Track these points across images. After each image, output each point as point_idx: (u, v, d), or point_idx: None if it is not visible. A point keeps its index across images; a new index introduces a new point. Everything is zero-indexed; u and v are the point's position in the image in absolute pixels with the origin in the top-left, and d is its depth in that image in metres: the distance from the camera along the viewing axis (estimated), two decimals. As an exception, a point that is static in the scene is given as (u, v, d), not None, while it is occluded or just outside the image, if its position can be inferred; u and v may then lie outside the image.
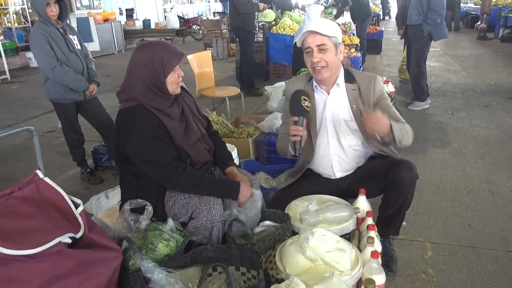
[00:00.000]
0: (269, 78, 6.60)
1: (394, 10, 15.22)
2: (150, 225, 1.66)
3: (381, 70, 7.04)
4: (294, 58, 5.08)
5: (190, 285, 1.40)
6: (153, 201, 1.74)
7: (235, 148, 2.61)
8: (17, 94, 6.75)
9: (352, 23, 7.64)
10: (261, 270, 1.44)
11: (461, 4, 12.80)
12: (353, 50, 5.72)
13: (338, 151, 2.02)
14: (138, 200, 1.72)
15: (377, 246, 1.78)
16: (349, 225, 1.79)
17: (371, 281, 1.43)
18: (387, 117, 1.77)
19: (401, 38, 5.11)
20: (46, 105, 4.97)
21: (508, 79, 6.03)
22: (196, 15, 15.80)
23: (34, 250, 1.22)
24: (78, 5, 10.80)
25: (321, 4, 9.78)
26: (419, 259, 2.10)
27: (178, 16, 13.30)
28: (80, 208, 1.45)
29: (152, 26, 12.70)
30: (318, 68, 1.89)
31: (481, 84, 5.81)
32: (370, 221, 1.85)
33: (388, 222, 1.96)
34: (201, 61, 4.37)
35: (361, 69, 5.74)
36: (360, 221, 1.94)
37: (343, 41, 5.50)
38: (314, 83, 2.02)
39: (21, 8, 9.51)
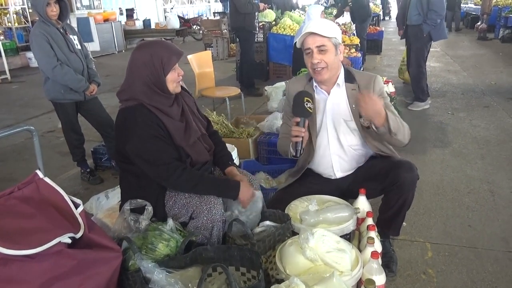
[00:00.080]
0: (269, 78, 6.60)
1: (394, 10, 15.24)
2: (150, 225, 1.66)
3: (381, 70, 7.04)
4: (294, 58, 5.08)
5: (190, 285, 1.40)
6: (153, 201, 1.74)
7: (235, 148, 2.60)
8: (17, 94, 6.75)
9: (352, 23, 7.65)
10: (261, 270, 1.44)
11: (461, 5, 12.79)
12: (353, 50, 5.73)
13: (338, 151, 2.02)
14: (138, 200, 1.72)
15: (377, 246, 1.77)
16: (349, 226, 1.79)
17: (371, 282, 1.43)
18: (382, 102, 1.76)
19: (401, 39, 5.11)
20: (46, 105, 4.97)
21: (508, 79, 6.03)
22: (196, 15, 15.81)
23: (34, 250, 1.22)
24: (78, 5, 10.81)
25: (321, 4, 9.79)
26: (419, 260, 2.10)
27: (178, 16, 13.31)
28: (80, 208, 1.45)
29: (152, 26, 12.72)
30: (318, 69, 1.89)
31: (482, 84, 5.81)
32: (370, 221, 1.84)
33: (388, 222, 1.96)
34: (201, 61, 4.37)
35: (361, 69, 5.74)
36: (360, 221, 1.93)
37: (343, 41, 5.51)
38: (314, 84, 2.02)
39: (21, 8, 9.52)
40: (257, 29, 6.12)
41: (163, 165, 1.65)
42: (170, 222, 1.64)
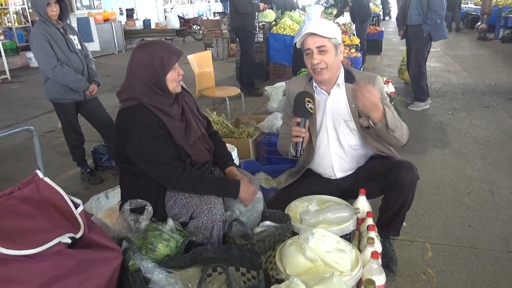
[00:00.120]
0: (269, 78, 6.60)
1: (394, 10, 15.24)
2: (150, 225, 1.66)
3: (381, 71, 7.04)
4: (294, 58, 5.08)
5: (190, 285, 1.40)
6: (153, 201, 1.74)
7: (235, 148, 2.60)
8: (17, 94, 6.75)
9: (352, 23, 7.65)
10: (261, 270, 1.44)
11: (462, 5, 12.79)
12: (353, 50, 5.72)
13: (338, 151, 2.02)
14: (138, 200, 1.72)
15: (377, 246, 1.77)
16: (349, 226, 1.79)
17: (371, 282, 1.43)
18: (379, 94, 1.74)
19: (401, 39, 5.11)
20: (46, 105, 4.97)
21: (508, 79, 6.03)
22: (196, 15, 15.81)
23: (34, 250, 1.22)
24: (79, 5, 10.81)
25: (321, 4, 9.79)
26: (419, 260, 2.10)
27: (179, 16, 13.31)
28: (80, 208, 1.45)
29: (153, 26, 12.72)
30: (318, 69, 1.89)
31: (482, 84, 5.81)
32: (370, 221, 1.84)
33: (388, 222, 1.96)
34: (201, 61, 4.37)
35: (361, 69, 5.74)
36: (360, 221, 1.93)
37: (343, 42, 5.51)
38: (314, 84, 2.02)
39: (22, 8, 9.52)
40: (257, 29, 6.12)
41: (163, 165, 1.65)
42: (170, 222, 1.64)
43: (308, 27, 1.88)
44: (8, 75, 7.81)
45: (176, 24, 12.40)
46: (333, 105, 2.00)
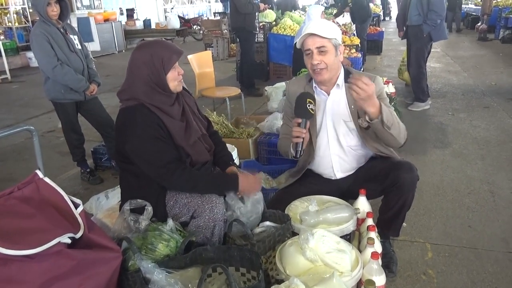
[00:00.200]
0: (270, 78, 6.60)
1: (394, 11, 15.24)
2: (150, 225, 1.66)
3: (382, 71, 7.04)
4: (294, 58, 5.08)
5: (189, 285, 1.40)
6: (153, 201, 1.74)
7: (235, 149, 2.60)
8: (17, 94, 6.75)
9: (352, 23, 7.65)
10: (261, 270, 1.43)
11: (462, 5, 12.79)
12: (353, 50, 5.72)
13: (338, 152, 2.02)
14: (138, 200, 1.72)
15: (377, 247, 1.77)
16: (349, 226, 1.78)
17: (371, 282, 1.43)
18: (373, 85, 1.70)
19: (402, 39, 5.11)
20: (46, 105, 4.97)
21: (508, 80, 6.03)
22: (197, 15, 15.81)
23: (33, 250, 1.22)
24: (79, 5, 10.81)
25: (322, 5, 9.78)
26: (419, 260, 2.10)
27: (179, 16, 13.32)
28: (80, 208, 1.45)
29: (153, 26, 12.73)
30: (318, 70, 1.89)
31: (482, 85, 5.81)
32: (370, 222, 1.84)
33: (388, 223, 1.95)
34: (201, 61, 4.37)
35: (362, 69, 5.74)
36: (360, 222, 1.93)
37: (343, 42, 5.51)
38: (314, 84, 2.02)
39: (22, 7, 9.53)
40: (258, 29, 6.13)
41: (163, 165, 1.66)
42: (170, 222, 1.64)
43: (308, 28, 1.88)
44: (8, 75, 7.81)
45: (176, 24, 12.41)
46: (333, 106, 1.99)
